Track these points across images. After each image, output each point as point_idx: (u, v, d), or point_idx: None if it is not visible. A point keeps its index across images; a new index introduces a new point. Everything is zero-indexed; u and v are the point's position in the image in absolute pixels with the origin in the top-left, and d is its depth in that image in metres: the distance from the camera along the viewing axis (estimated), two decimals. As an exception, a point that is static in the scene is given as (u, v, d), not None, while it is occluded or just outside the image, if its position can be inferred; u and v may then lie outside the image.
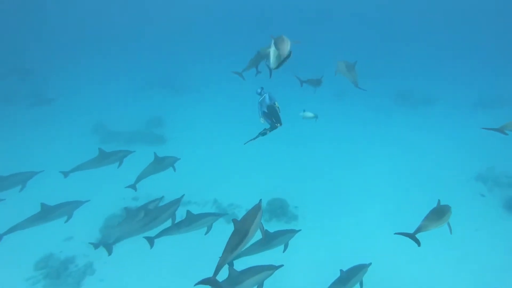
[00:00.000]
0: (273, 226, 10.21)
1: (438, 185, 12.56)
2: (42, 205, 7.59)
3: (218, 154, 14.96)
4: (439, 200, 5.83)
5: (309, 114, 8.92)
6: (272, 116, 7.57)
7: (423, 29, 41.11)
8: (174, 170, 9.01)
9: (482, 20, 42.09)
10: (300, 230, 7.85)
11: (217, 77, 24.41)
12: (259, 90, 7.90)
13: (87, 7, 42.92)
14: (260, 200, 5.26)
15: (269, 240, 7.20)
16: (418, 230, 5.17)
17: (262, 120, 7.72)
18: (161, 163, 8.85)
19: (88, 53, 29.55)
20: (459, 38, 36.72)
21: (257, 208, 4.94)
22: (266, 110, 7.62)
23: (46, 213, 7.63)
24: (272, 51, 6.26)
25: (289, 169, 13.89)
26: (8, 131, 17.16)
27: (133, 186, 8.62)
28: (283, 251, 7.53)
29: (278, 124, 7.52)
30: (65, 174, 8.75)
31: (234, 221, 4.87)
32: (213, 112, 19.73)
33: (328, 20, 43.70)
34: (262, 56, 8.79)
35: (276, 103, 7.74)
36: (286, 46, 6.53)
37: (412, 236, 5.07)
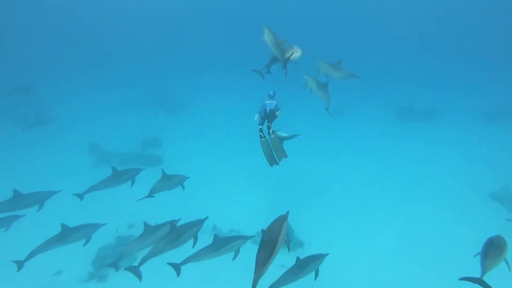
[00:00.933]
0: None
1: (452, 206, 12.00)
2: (63, 226, 7.31)
3: (216, 174, 14.40)
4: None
5: (283, 134, 8.44)
6: (267, 120, 7.58)
7: (423, 38, 41.10)
8: (183, 188, 8.83)
9: (485, 29, 42.04)
10: (327, 254, 7.75)
11: (213, 93, 24.09)
12: (271, 93, 7.87)
13: (84, 28, 42.75)
14: (288, 211, 5.12)
15: (300, 268, 7.12)
16: (484, 272, 4.69)
17: (256, 117, 7.64)
18: (170, 181, 8.64)
19: (85, 73, 29.18)
20: (460, 48, 36.60)
21: (283, 218, 4.89)
22: (267, 111, 7.56)
23: (66, 235, 7.34)
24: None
25: (290, 189, 13.32)
26: (6, 151, 16.64)
27: (149, 195, 8.39)
28: (314, 279, 7.41)
29: (271, 131, 7.51)
30: (80, 196, 8.37)
31: (262, 231, 4.75)
32: (210, 129, 19.29)
33: (325, 31, 43.70)
34: (276, 59, 8.43)
35: (278, 110, 7.65)
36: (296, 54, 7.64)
37: (480, 281, 4.54)
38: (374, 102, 22.48)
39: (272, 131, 7.54)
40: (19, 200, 7.90)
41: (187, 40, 41.54)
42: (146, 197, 8.34)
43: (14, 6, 42.38)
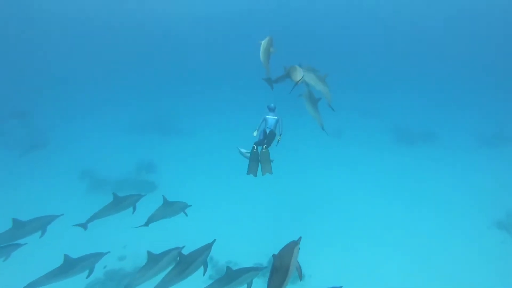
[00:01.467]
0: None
1: (458, 235, 11.59)
2: (65, 256, 7.03)
3: (212, 201, 13.99)
4: None
5: (244, 150, 8.39)
6: (266, 140, 7.58)
7: (419, 62, 41.52)
8: (186, 215, 8.61)
9: (481, 53, 42.58)
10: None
11: (209, 117, 23.92)
12: (272, 106, 8.00)
13: (78, 50, 42.93)
14: (300, 237, 5.01)
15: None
16: None
17: (255, 133, 7.73)
18: (171, 208, 8.38)
19: (79, 96, 29.01)
20: (457, 70, 36.89)
21: (294, 244, 4.77)
22: (266, 132, 7.63)
23: (69, 267, 7.06)
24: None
25: (288, 215, 12.98)
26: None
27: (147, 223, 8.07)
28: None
29: (264, 146, 7.50)
30: (84, 226, 8.05)
31: (274, 256, 4.64)
32: (205, 154, 18.91)
33: (322, 55, 44.18)
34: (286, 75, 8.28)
35: (280, 135, 7.73)
36: (299, 74, 7.65)
37: None
38: (372, 124, 22.38)
39: (265, 147, 7.50)
40: (20, 228, 7.61)
41: (183, 61, 41.70)
42: (143, 225, 8.01)
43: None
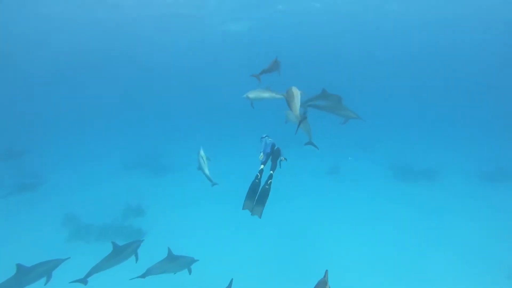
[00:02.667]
0: None
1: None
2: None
3: (206, 248, 13.03)
4: None
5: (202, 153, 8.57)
6: (272, 159, 7.32)
7: (417, 97, 41.66)
8: (190, 272, 8.25)
9: (481, 90, 42.78)
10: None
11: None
12: (263, 135, 7.83)
13: (65, 90, 42.83)
14: (326, 271, 5.08)
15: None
16: None
17: (261, 156, 7.34)
18: (174, 262, 8.02)
19: (67, 135, 28.48)
20: (457, 107, 36.82)
21: (323, 282, 4.83)
22: (274, 147, 7.45)
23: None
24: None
25: (287, 261, 12.15)
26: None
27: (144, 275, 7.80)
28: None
29: (283, 158, 7.36)
30: (83, 281, 7.44)
31: None
32: (199, 194, 17.84)
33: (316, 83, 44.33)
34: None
35: (283, 157, 7.38)
36: (297, 101, 7.71)
37: None
38: (369, 161, 21.84)
39: (270, 182, 6.90)
40: (25, 274, 7.35)
41: (175, 98, 41.63)
42: (140, 276, 7.64)
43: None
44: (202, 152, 9.57)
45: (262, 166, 7.10)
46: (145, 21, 27.34)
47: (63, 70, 44.17)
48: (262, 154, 7.35)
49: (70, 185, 19.53)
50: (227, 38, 32.17)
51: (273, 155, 7.34)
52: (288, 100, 7.91)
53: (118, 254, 7.76)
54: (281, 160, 7.33)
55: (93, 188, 19.16)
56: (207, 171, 9.86)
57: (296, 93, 7.85)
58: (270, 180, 6.91)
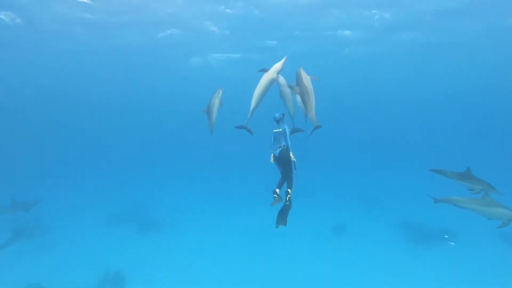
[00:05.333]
0: None
1: None
2: None
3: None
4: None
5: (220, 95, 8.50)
6: (282, 170, 6.90)
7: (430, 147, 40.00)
8: None
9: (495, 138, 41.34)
10: None
11: (194, 208, 21.42)
12: (277, 116, 7.22)
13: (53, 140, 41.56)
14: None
15: None
16: None
17: (271, 159, 6.96)
18: None
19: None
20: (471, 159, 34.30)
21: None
22: (276, 156, 6.90)
23: None
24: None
25: None
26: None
27: None
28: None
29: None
30: None
31: None
32: (191, 254, 16.22)
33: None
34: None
35: (293, 155, 6.83)
36: (306, 82, 7.18)
37: None
38: (378, 220, 19.84)
39: (289, 197, 6.58)
40: None
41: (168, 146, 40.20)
42: None
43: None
44: (221, 93, 8.61)
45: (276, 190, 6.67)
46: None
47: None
48: (272, 156, 6.91)
49: (39, 246, 17.30)
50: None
51: (281, 162, 6.80)
52: (302, 97, 7.27)
53: None
54: (294, 163, 6.79)
55: (65, 249, 17.00)
56: (214, 117, 8.73)
57: (309, 85, 7.25)
58: (288, 196, 6.59)
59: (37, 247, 16.90)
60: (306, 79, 7.34)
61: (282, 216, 6.45)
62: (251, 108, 7.68)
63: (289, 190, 6.69)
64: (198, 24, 20.38)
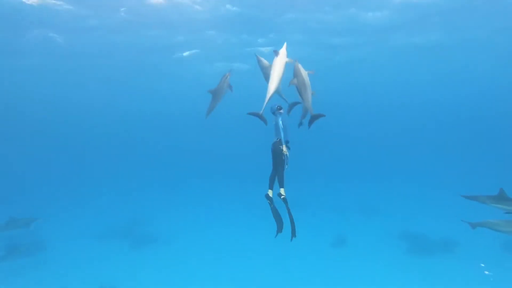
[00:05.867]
0: None
1: None
2: None
3: None
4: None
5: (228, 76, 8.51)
6: (275, 167, 6.87)
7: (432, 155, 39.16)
8: None
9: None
10: None
11: (188, 223, 20.87)
12: (273, 107, 7.20)
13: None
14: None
15: None
16: None
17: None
18: None
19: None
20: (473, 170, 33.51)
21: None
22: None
23: None
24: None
25: None
26: None
27: None
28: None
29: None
30: None
31: None
32: (185, 269, 15.70)
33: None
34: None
35: (287, 148, 6.74)
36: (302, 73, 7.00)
37: None
38: (378, 231, 19.41)
39: (283, 198, 6.71)
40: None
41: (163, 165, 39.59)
42: None
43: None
44: (229, 77, 8.48)
45: (270, 192, 6.82)
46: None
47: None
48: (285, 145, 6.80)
49: (34, 263, 16.81)
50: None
51: (275, 159, 6.76)
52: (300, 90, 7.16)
53: None
54: (286, 157, 6.69)
55: (59, 265, 16.48)
56: (218, 101, 8.55)
57: (307, 79, 7.12)
58: (282, 197, 6.68)
59: (32, 264, 16.43)
60: (304, 73, 7.21)
61: (292, 227, 6.58)
62: (268, 94, 7.15)
63: (282, 190, 6.69)
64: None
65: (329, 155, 39.36)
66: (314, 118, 6.96)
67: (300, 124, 8.24)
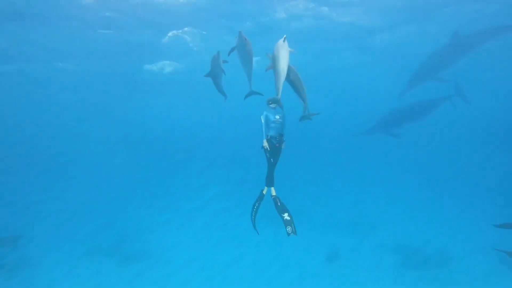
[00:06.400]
0: None
1: None
2: None
3: None
4: None
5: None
6: (269, 161, 6.81)
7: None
8: None
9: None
10: None
11: (181, 239, 20.34)
12: (271, 103, 7.17)
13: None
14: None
15: None
16: None
17: (265, 145, 6.74)
18: None
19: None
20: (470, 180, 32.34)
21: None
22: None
23: None
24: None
25: None
26: None
27: None
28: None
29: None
30: None
31: None
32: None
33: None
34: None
35: (283, 143, 6.89)
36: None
37: None
38: (370, 244, 19.12)
39: (277, 199, 6.73)
40: None
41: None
42: None
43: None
44: (220, 56, 8.36)
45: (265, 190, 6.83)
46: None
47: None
48: (265, 139, 6.59)
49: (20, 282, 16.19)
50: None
51: (272, 154, 6.72)
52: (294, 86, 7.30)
53: None
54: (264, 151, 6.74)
55: (46, 283, 15.92)
56: (219, 80, 8.69)
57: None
58: (262, 191, 6.82)
59: (17, 282, 15.86)
60: (293, 70, 7.27)
61: (286, 220, 6.74)
62: (279, 84, 7.02)
63: (265, 188, 6.78)
64: None
65: (320, 163, 39.06)
66: (307, 116, 7.18)
67: (303, 118, 7.92)
